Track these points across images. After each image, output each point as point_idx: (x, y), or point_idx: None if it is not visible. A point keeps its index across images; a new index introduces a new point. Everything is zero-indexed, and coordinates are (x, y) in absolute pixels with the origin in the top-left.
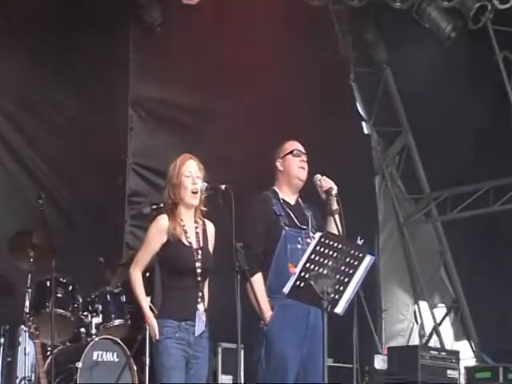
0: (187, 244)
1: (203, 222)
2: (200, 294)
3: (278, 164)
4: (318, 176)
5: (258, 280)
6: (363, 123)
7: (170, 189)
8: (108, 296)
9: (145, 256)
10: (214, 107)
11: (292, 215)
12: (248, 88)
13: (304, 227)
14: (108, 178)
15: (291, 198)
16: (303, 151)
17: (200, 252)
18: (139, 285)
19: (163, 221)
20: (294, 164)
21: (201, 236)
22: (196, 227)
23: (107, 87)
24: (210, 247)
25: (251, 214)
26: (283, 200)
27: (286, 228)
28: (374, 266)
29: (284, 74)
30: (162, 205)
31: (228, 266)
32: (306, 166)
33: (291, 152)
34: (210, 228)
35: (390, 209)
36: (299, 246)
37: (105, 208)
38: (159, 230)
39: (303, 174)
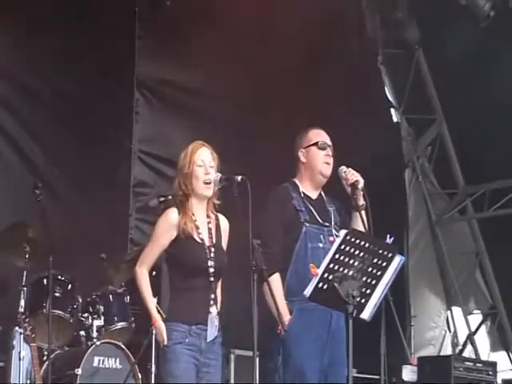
0: (199, 241)
1: (216, 217)
2: (213, 295)
3: (301, 154)
4: (343, 168)
5: (275, 281)
6: (392, 110)
7: (181, 179)
8: (111, 296)
9: (152, 253)
10: (229, 91)
11: (313, 211)
12: (267, 70)
13: (327, 224)
14: (111, 166)
15: (313, 193)
16: (329, 143)
17: (213, 249)
18: (146, 284)
19: (173, 214)
20: (319, 158)
21: (214, 232)
22: (208, 222)
23: (111, 68)
24: (224, 244)
25: (269, 208)
26: (304, 194)
27: (307, 225)
28: (404, 268)
29: (306, 55)
30: (170, 197)
31: (243, 265)
32: (331, 160)
33: (316, 143)
34: (224, 223)
35: (421, 205)
36: (321, 245)
37: (107, 200)
38: (168, 225)
39: (328, 170)
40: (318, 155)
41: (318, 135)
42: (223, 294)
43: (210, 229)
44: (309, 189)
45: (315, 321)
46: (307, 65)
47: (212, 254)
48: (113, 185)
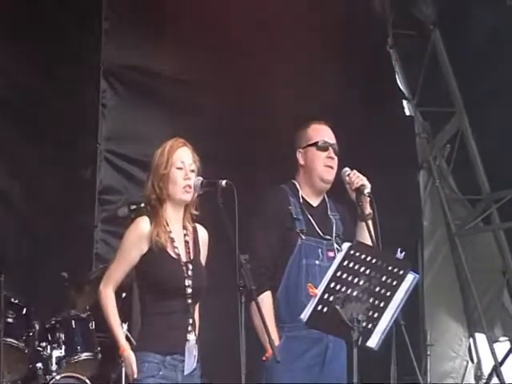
0: (174, 256)
1: (194, 228)
2: (190, 320)
3: (299, 155)
4: (347, 170)
5: (265, 300)
6: (404, 102)
7: (155, 181)
8: (73, 322)
9: (119, 270)
10: (213, 80)
11: (312, 220)
12: (259, 54)
13: (327, 237)
14: (73, 170)
15: (314, 199)
16: (332, 142)
17: (190, 266)
18: (111, 307)
19: (144, 224)
20: (319, 161)
21: (191, 245)
22: (185, 234)
23: (72, 53)
24: (203, 260)
25: (263, 213)
26: (303, 199)
27: (303, 237)
28: (418, 287)
29: (304, 35)
30: (142, 205)
31: (227, 285)
32: (334, 163)
33: (315, 143)
34: (203, 235)
35: (439, 213)
36: (317, 262)
37: (69, 209)
38: (138, 237)
39: (329, 175)
40: (317, 157)
41: (319, 133)
42: (201, 319)
43: (186, 242)
44: (309, 194)
45: (307, 350)
46: (302, 48)
47: (190, 272)
48: (75, 191)
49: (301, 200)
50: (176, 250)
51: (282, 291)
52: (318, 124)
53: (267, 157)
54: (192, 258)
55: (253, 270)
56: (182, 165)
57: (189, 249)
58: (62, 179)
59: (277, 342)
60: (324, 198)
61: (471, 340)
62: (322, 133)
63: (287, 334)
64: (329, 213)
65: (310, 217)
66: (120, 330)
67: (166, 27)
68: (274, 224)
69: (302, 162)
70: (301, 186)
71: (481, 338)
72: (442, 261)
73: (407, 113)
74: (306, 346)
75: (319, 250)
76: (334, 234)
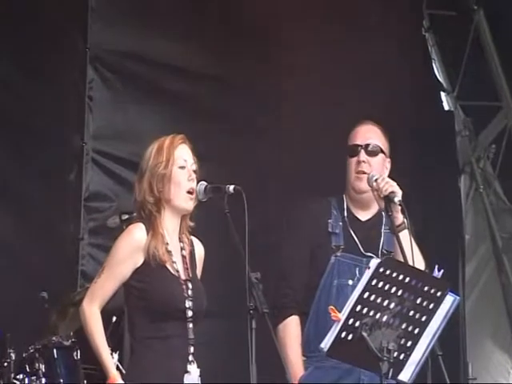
0: (174, 273)
1: (190, 242)
2: (192, 348)
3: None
4: (374, 175)
5: (290, 326)
6: (443, 95)
7: (154, 182)
8: (55, 351)
9: (107, 285)
10: (217, 69)
11: (354, 235)
12: (273, 41)
13: (369, 254)
14: (55, 173)
15: (363, 213)
16: (363, 143)
17: (190, 285)
18: (99, 327)
19: (139, 233)
20: (350, 169)
21: (188, 261)
22: (182, 248)
23: (54, 37)
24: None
25: (294, 227)
26: (350, 213)
27: (338, 254)
28: (458, 311)
29: (324, 15)
30: (136, 214)
31: (236, 307)
32: (367, 168)
33: (349, 148)
34: (199, 250)
35: (483, 224)
36: (350, 282)
37: (50, 219)
38: (132, 248)
39: (360, 184)
40: (349, 165)
41: (354, 136)
42: (204, 347)
43: (184, 257)
44: (357, 208)
45: (336, 382)
46: (323, 32)
47: (189, 292)
48: (57, 198)
49: (345, 213)
50: (175, 266)
51: (312, 316)
52: (361, 124)
53: (283, 159)
54: (191, 275)
55: (276, 290)
56: (185, 164)
57: (186, 265)
58: (41, 184)
59: (298, 375)
60: (379, 211)
61: None
62: (355, 135)
63: (316, 364)
64: (382, 227)
65: (352, 231)
66: (109, 356)
67: (167, 6)
68: (306, 239)
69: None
70: (348, 198)
71: None
72: (487, 280)
73: (446, 107)
74: (335, 378)
75: (356, 269)
76: (379, 251)
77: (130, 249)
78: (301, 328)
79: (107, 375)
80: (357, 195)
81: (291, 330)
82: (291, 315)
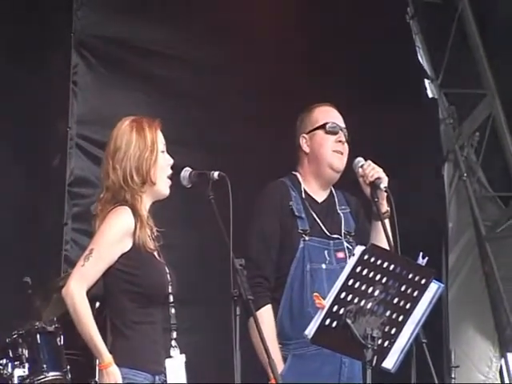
0: (158, 258)
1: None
2: (175, 333)
3: (303, 142)
4: (361, 160)
5: (265, 315)
6: (426, 82)
7: (142, 166)
8: (38, 336)
9: (96, 268)
10: (206, 56)
11: (317, 218)
12: (259, 33)
13: (335, 236)
14: (38, 159)
15: (320, 193)
16: (342, 125)
17: (167, 270)
18: (89, 311)
19: (128, 217)
20: (327, 145)
21: (158, 247)
22: (152, 234)
23: (38, 21)
24: None
25: (261, 213)
26: (307, 194)
27: (306, 238)
28: (442, 299)
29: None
30: None
31: (219, 294)
32: (345, 150)
33: (323, 126)
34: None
35: (466, 213)
36: (323, 266)
37: (33, 204)
38: (123, 232)
39: (340, 162)
40: (326, 142)
41: (327, 114)
42: (188, 334)
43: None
44: (314, 188)
45: (318, 369)
46: (308, 16)
47: (168, 277)
48: (41, 183)
49: (303, 195)
50: (157, 251)
51: (284, 303)
52: (325, 105)
53: (267, 145)
54: (164, 261)
55: (248, 280)
56: (164, 148)
57: (158, 250)
58: (25, 169)
59: (279, 364)
60: (331, 191)
61: (503, 361)
62: (330, 114)
63: (294, 352)
64: (337, 208)
65: (314, 214)
66: (101, 339)
67: None
68: (272, 225)
69: (306, 149)
70: (304, 178)
71: None
72: (470, 268)
73: (430, 95)
74: (317, 365)
75: (325, 252)
76: (342, 232)
77: (121, 233)
78: (274, 315)
79: (100, 359)
80: (333, 173)
81: (267, 319)
82: (266, 304)
